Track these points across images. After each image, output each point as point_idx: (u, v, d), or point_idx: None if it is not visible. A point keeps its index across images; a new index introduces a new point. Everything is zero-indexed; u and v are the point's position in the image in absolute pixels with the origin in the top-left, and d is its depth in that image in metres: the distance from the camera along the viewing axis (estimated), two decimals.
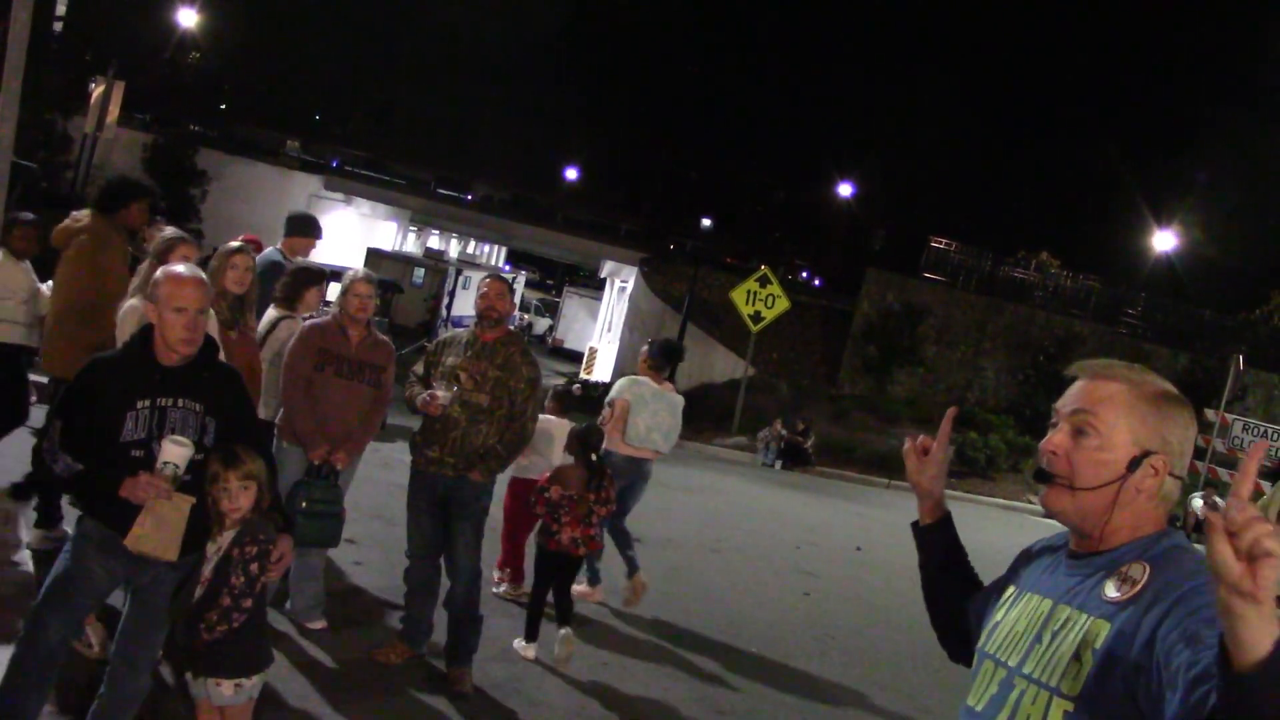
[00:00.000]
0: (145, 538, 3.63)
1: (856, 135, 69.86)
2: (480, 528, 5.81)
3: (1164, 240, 31.61)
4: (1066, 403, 2.08)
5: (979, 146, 66.84)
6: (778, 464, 19.62)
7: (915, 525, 2.50)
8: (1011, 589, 2.18)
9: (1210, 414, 17.87)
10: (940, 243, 29.72)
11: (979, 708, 2.07)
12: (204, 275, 3.91)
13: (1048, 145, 66.76)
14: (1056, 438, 2.05)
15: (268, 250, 7.33)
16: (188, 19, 33.56)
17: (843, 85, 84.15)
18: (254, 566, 3.72)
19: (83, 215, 6.51)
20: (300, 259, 7.15)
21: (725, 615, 8.14)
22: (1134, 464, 1.97)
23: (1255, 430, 18.42)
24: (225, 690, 3.76)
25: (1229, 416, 18.46)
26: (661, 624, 7.54)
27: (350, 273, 6.10)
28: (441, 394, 5.62)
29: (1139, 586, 1.89)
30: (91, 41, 32.28)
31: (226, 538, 3.79)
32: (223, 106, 51.79)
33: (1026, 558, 2.25)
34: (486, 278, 6.05)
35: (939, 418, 2.46)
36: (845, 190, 44.91)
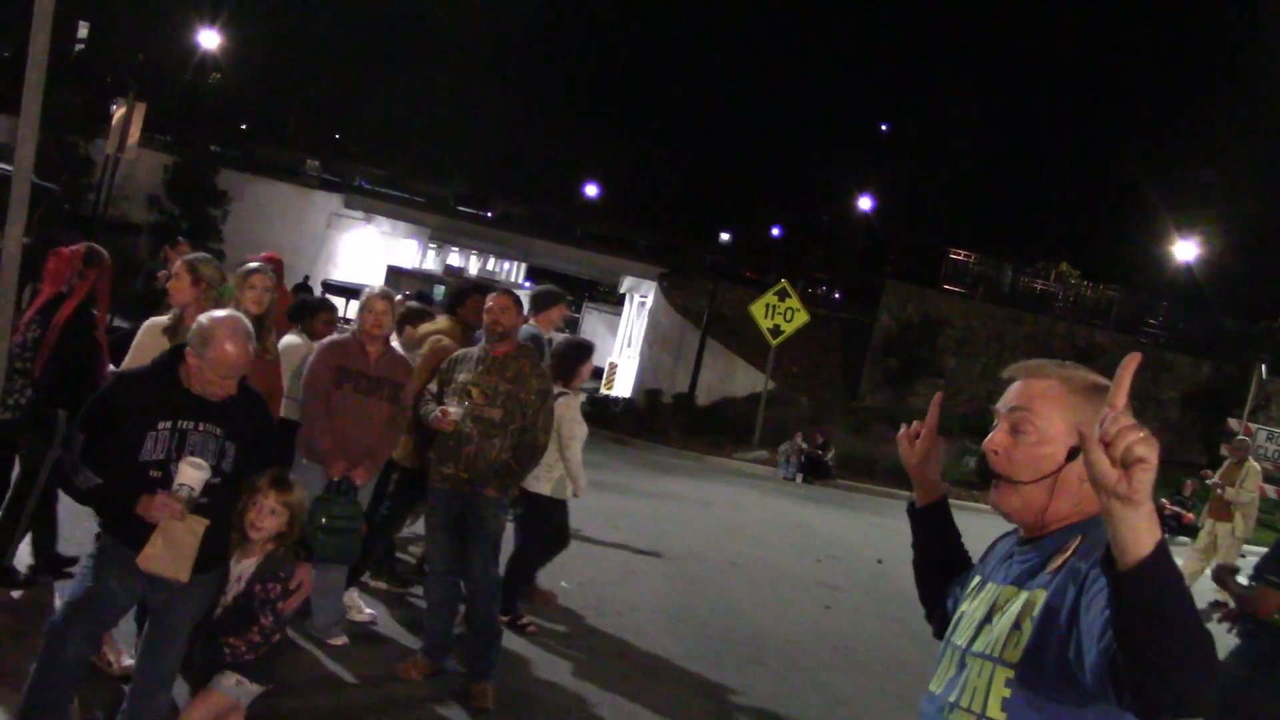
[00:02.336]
0: (157, 558, 3.66)
1: (875, 147, 69.87)
2: (497, 543, 5.83)
3: (1185, 249, 31.40)
4: (1004, 402, 2.16)
5: (998, 157, 66.72)
6: (798, 477, 19.58)
7: (910, 507, 2.61)
8: (976, 579, 2.26)
9: (1233, 423, 17.76)
10: (959, 254, 29.68)
11: (937, 690, 2.15)
12: (250, 340, 3.92)
13: (1066, 155, 66.58)
14: (997, 436, 2.13)
15: (525, 326, 7.50)
16: (209, 40, 33.89)
17: (861, 98, 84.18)
18: (280, 605, 3.89)
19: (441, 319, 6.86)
20: (555, 332, 7.68)
21: (746, 628, 8.11)
22: (1073, 454, 2.03)
23: (1279, 439, 18.27)
24: (228, 681, 3.89)
25: (1252, 425, 18.33)
26: (682, 637, 7.52)
27: (367, 290, 6.15)
28: (453, 410, 5.63)
29: (1069, 553, 1.97)
30: (113, 64, 32.62)
31: (248, 567, 3.87)
32: (243, 127, 52.14)
33: (991, 548, 2.33)
34: (492, 293, 6.09)
35: (959, 429, 2.49)
36: (864, 203, 44.86)
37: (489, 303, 5.92)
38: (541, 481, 6.96)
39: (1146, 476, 1.56)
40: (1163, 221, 33.10)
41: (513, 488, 5.83)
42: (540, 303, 7.56)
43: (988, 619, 2.07)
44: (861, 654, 8.03)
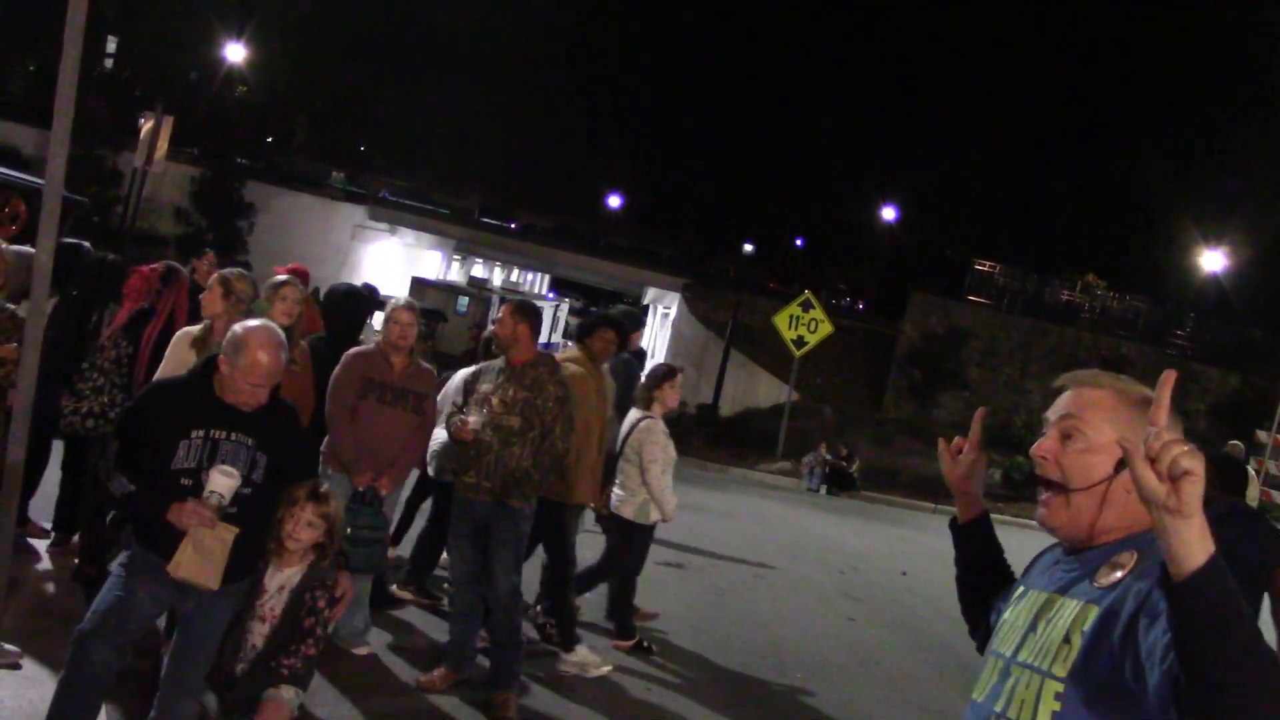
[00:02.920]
0: (186, 564, 3.69)
1: (899, 158, 69.77)
2: (519, 552, 5.85)
3: (1212, 259, 31.18)
4: (1055, 410, 2.15)
5: (1023, 167, 66.49)
6: (822, 489, 19.52)
7: (953, 523, 2.57)
8: (1020, 589, 2.24)
9: (1262, 435, 17.58)
10: (984, 265, 29.58)
11: (980, 699, 2.12)
12: (283, 349, 3.95)
13: (1093, 165, 66.26)
14: (1046, 443, 2.11)
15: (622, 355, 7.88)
16: (235, 54, 34.16)
17: (886, 108, 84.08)
18: (327, 614, 3.96)
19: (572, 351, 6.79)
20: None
21: (769, 640, 8.10)
22: (1120, 465, 2.00)
23: None
24: (288, 694, 3.98)
25: None
26: (706, 648, 7.51)
27: (392, 301, 6.20)
28: (472, 419, 5.67)
29: (1126, 570, 1.94)
30: (141, 77, 32.92)
31: (290, 577, 3.89)
32: (269, 139, 52.52)
33: (1035, 560, 2.31)
34: (502, 304, 6.22)
35: (984, 441, 2.49)
36: (889, 213, 44.81)
37: (498, 314, 6.04)
38: (626, 505, 7.00)
39: (1195, 489, 1.58)
40: (1190, 232, 32.88)
41: (533, 496, 5.84)
42: (634, 324, 7.68)
43: (1032, 627, 2.05)
44: (885, 667, 7.99)
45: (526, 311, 5.94)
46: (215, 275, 5.76)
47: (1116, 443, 1.97)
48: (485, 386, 5.84)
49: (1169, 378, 1.73)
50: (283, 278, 6.12)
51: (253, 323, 3.99)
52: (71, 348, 6.00)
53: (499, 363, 5.94)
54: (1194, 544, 1.59)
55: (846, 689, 7.31)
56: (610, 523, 7.13)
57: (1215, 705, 1.58)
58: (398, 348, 5.98)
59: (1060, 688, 1.92)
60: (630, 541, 7.10)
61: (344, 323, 6.79)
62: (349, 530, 5.48)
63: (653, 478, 6.92)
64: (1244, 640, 1.57)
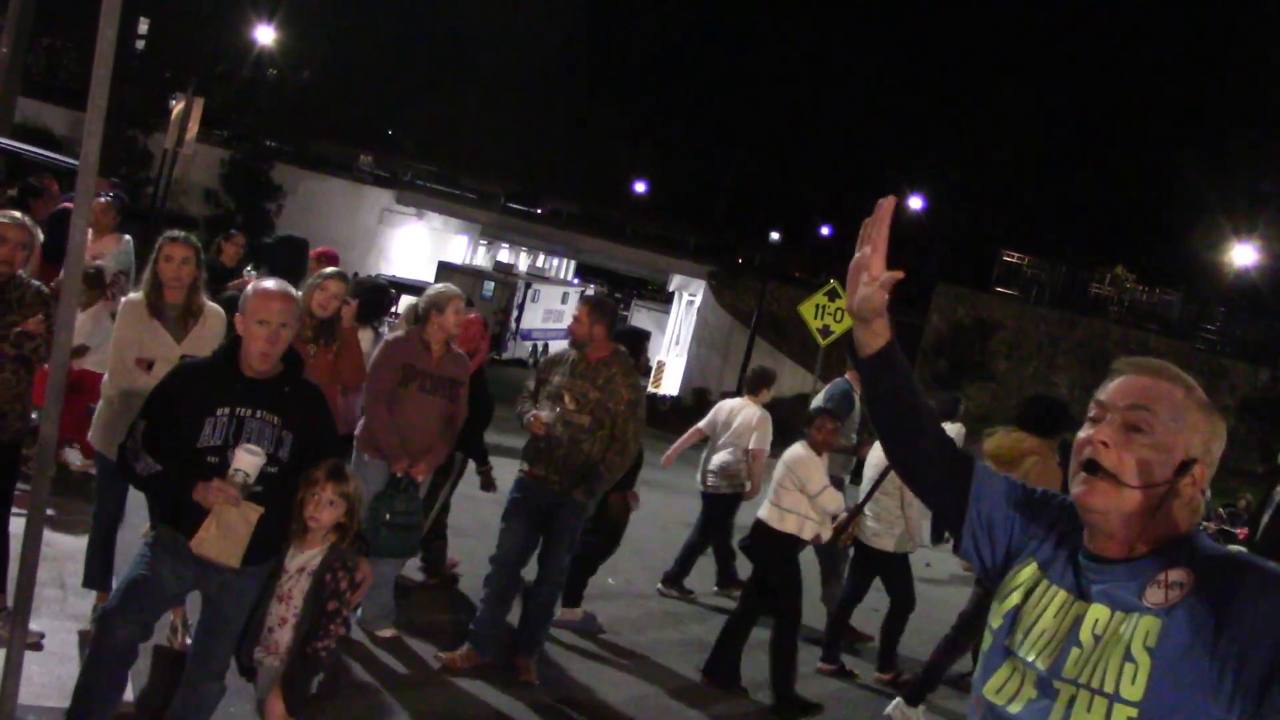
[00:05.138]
0: (209, 541, 3.72)
1: (927, 147, 69.39)
2: (573, 543, 6.01)
3: (1243, 253, 30.87)
4: (1117, 396, 1.98)
5: (1053, 158, 66.01)
6: (847, 478, 19.43)
7: (863, 358, 2.21)
8: (1032, 567, 2.07)
9: None
10: (1012, 256, 29.38)
11: (1014, 710, 1.96)
12: (293, 292, 4.01)
13: (1123, 157, 65.73)
14: (1109, 430, 1.95)
15: (838, 381, 8.49)
16: (265, 36, 34.27)
17: (913, 96, 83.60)
18: (349, 596, 3.96)
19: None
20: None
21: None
22: (1182, 469, 1.90)
23: None
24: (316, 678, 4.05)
25: None
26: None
27: (447, 290, 6.11)
28: (545, 414, 5.76)
29: (1186, 589, 1.83)
30: (172, 60, 33.05)
31: (311, 558, 3.90)
32: (298, 122, 52.68)
33: (1033, 513, 2.13)
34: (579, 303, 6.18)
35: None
36: (915, 203, 44.51)
37: (574, 311, 6.08)
38: (884, 538, 7.09)
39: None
40: (1220, 225, 32.56)
41: (598, 492, 5.92)
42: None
43: (1075, 640, 1.91)
44: (905, 654, 7.97)
45: (604, 310, 5.98)
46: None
47: (1188, 445, 1.91)
48: (557, 379, 5.90)
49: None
50: (332, 270, 6.14)
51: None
52: None
53: (572, 354, 5.96)
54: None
55: (871, 675, 7.35)
56: (867, 556, 7.31)
57: None
58: (440, 339, 5.96)
59: (1134, 712, 1.79)
60: (893, 573, 7.30)
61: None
62: (387, 516, 5.54)
63: (915, 511, 7.05)
64: None
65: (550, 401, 5.84)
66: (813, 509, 6.58)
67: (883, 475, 7.05)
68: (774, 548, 6.55)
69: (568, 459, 5.74)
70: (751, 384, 8.74)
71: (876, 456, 7.24)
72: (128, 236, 8.35)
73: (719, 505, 8.53)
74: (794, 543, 6.59)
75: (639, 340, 8.07)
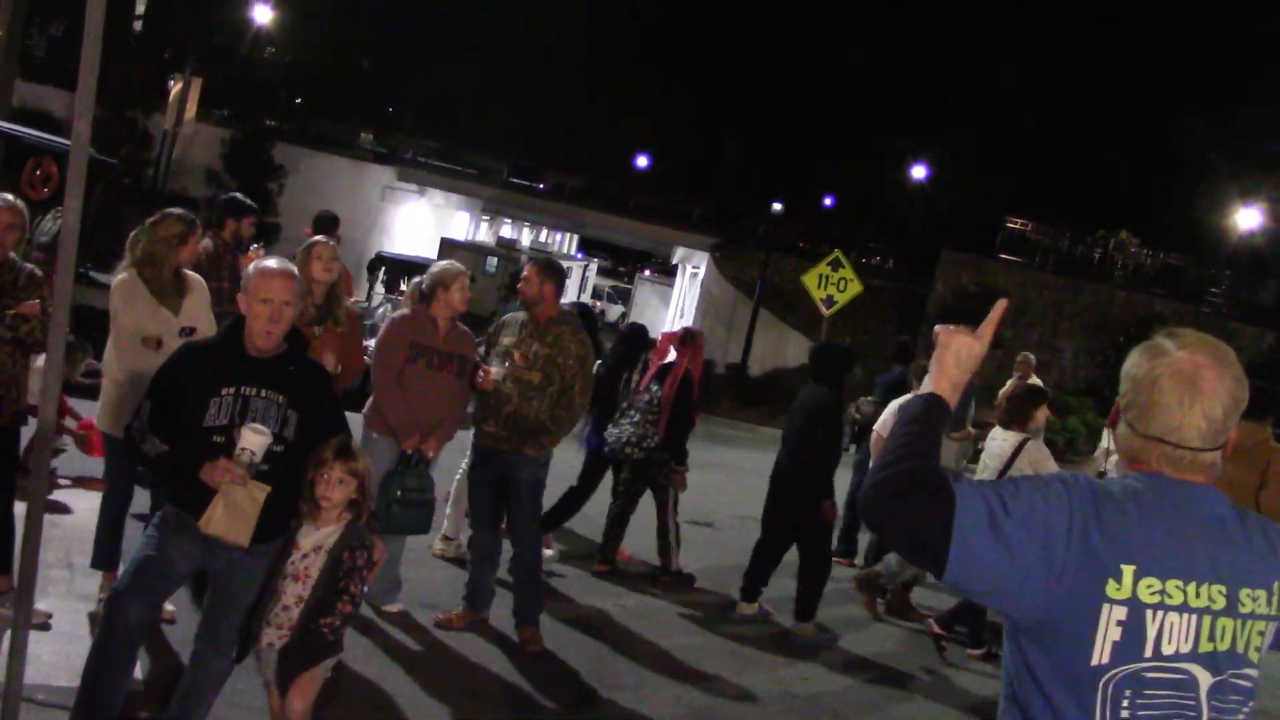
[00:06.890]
0: (216, 520, 3.73)
1: (930, 115, 69.06)
2: (538, 498, 6.16)
3: (1248, 216, 30.69)
4: None
5: (1055, 123, 65.65)
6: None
7: (941, 401, 2.23)
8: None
9: None
10: (1016, 223, 29.26)
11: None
12: (295, 270, 4.01)
13: (1126, 121, 65.33)
14: None
15: (896, 371, 8.69)
16: (263, 15, 34.09)
17: (917, 64, 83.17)
18: (365, 573, 3.96)
19: None
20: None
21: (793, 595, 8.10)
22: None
23: None
24: (328, 661, 4.01)
25: None
26: (735, 604, 7.55)
27: (452, 267, 6.14)
28: (494, 370, 5.87)
29: None
30: (170, 39, 32.89)
31: (326, 536, 3.89)
32: (298, 100, 52.49)
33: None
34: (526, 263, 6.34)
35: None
36: (919, 171, 44.33)
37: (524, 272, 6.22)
38: None
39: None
40: (1225, 188, 32.37)
41: (549, 446, 6.04)
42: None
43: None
44: (911, 626, 8.00)
45: (552, 270, 6.13)
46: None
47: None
48: (507, 339, 6.05)
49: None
50: (315, 238, 6.15)
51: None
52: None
53: (522, 316, 6.06)
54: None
55: (875, 646, 7.36)
56: None
57: None
58: (447, 315, 5.99)
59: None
60: None
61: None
62: (398, 493, 5.56)
63: None
64: None
65: (499, 359, 6.00)
66: None
67: (1012, 459, 6.88)
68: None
69: (517, 415, 5.86)
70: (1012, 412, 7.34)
71: (996, 445, 7.13)
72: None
73: None
74: None
75: (641, 338, 8.18)
